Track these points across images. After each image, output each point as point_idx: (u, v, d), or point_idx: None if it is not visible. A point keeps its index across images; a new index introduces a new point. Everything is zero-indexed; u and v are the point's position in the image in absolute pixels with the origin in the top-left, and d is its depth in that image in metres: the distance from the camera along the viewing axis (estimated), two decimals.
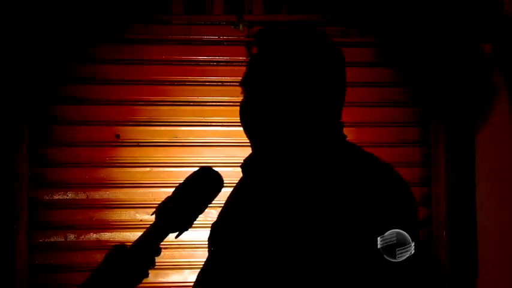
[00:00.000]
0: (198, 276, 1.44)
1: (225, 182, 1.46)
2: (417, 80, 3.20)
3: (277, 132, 1.36)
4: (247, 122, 1.40)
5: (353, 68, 3.06)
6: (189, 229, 1.41)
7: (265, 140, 1.38)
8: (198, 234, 1.50)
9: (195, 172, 1.45)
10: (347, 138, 1.42)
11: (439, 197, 3.15)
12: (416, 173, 3.17)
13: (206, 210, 1.44)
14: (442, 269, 3.10)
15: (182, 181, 1.44)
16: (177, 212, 1.39)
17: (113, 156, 3.07)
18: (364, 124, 3.12)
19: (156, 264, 1.40)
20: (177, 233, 1.40)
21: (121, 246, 1.37)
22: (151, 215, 1.41)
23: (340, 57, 1.41)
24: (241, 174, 1.48)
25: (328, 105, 1.37)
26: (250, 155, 1.45)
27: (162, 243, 1.41)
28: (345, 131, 1.42)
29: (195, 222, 1.42)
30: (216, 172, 1.45)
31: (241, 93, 1.43)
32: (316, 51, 1.38)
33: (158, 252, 1.39)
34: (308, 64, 1.36)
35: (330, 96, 1.37)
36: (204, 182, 1.43)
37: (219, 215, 1.48)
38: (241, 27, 3.14)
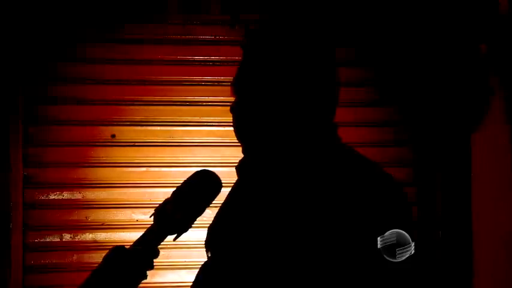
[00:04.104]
0: (196, 278, 1.44)
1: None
2: (414, 79, 3.20)
3: (268, 134, 1.35)
4: (238, 124, 1.40)
5: (348, 68, 3.10)
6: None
7: (257, 143, 1.37)
8: (195, 235, 1.49)
9: (193, 174, 1.44)
10: (342, 140, 1.41)
11: (435, 196, 3.15)
12: (411, 173, 3.17)
13: None
14: (438, 269, 3.10)
15: (181, 183, 1.43)
16: (176, 214, 1.38)
17: (109, 156, 3.06)
18: (360, 124, 3.12)
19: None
20: (175, 235, 1.40)
21: (119, 248, 1.37)
22: (150, 217, 1.41)
23: (331, 56, 1.40)
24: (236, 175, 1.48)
25: (320, 105, 1.36)
26: (244, 157, 1.44)
27: None
28: (340, 130, 1.41)
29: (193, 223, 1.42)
30: (215, 174, 1.45)
31: (232, 95, 1.42)
32: (306, 51, 1.37)
33: (156, 254, 1.39)
34: (298, 65, 1.35)
35: (322, 97, 1.36)
36: (203, 184, 1.43)
37: (215, 217, 1.48)
38: (237, 27, 3.14)
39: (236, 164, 1.45)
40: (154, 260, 1.39)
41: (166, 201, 1.40)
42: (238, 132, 1.40)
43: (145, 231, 1.39)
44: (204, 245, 1.48)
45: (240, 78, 1.40)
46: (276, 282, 1.24)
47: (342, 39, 3.13)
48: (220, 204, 1.50)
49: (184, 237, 1.43)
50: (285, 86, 1.33)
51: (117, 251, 1.36)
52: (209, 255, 1.44)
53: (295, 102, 1.33)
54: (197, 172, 1.45)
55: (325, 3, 3.18)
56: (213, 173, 1.45)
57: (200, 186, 1.42)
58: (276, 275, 1.24)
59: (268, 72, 1.35)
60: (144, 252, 1.37)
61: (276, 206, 1.30)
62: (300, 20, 3.03)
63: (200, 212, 1.42)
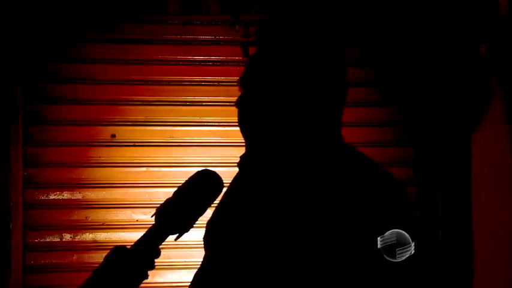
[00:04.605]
0: (195, 276, 1.44)
1: None
2: (414, 79, 3.20)
3: (273, 130, 1.35)
4: (243, 118, 1.40)
5: (348, 68, 3.10)
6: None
7: (262, 138, 1.37)
8: (195, 234, 1.49)
9: (195, 174, 1.44)
10: (345, 140, 1.41)
11: (435, 196, 3.15)
12: (411, 173, 3.17)
13: None
14: (438, 269, 3.10)
15: (182, 183, 1.43)
16: (177, 214, 1.38)
17: (109, 156, 3.06)
18: (360, 124, 3.12)
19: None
20: (176, 235, 1.40)
21: (120, 248, 1.37)
22: (151, 217, 1.41)
23: (340, 56, 1.41)
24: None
25: (328, 105, 1.37)
26: (246, 152, 1.44)
27: None
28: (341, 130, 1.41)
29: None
30: (216, 174, 1.44)
31: (239, 89, 1.42)
32: (316, 51, 1.38)
33: (158, 254, 1.38)
34: (308, 63, 1.35)
35: (329, 96, 1.37)
36: (204, 184, 1.43)
37: (213, 214, 1.48)
38: (237, 27, 3.14)
39: (238, 161, 1.45)
40: (155, 260, 1.39)
41: (168, 201, 1.40)
42: (242, 126, 1.41)
43: (147, 231, 1.39)
44: (202, 241, 1.48)
45: (249, 74, 1.40)
46: (275, 282, 1.24)
47: (343, 39, 3.13)
48: (218, 202, 1.50)
49: (185, 237, 1.43)
50: (294, 83, 1.34)
51: (118, 251, 1.36)
52: (208, 249, 1.44)
53: (303, 100, 1.34)
54: (198, 172, 1.45)
55: (327, 4, 3.18)
56: (214, 173, 1.45)
57: (201, 186, 1.42)
58: (275, 274, 1.24)
59: (278, 68, 1.35)
60: (145, 252, 1.36)
61: (277, 204, 1.30)
62: (311, 20, 3.07)
63: (201, 212, 1.42)
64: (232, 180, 1.49)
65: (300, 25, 1.46)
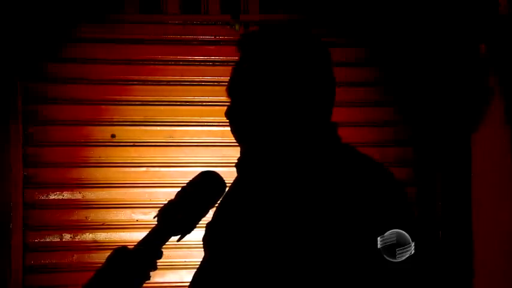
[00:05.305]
0: (194, 277, 1.44)
1: None
2: (414, 79, 3.20)
3: (266, 135, 1.35)
4: (237, 128, 1.40)
5: (348, 68, 3.11)
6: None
7: (255, 143, 1.37)
8: (196, 234, 1.49)
9: (197, 175, 1.44)
10: (342, 140, 1.41)
11: (435, 196, 3.15)
12: (411, 173, 3.17)
13: None
14: (438, 268, 3.10)
15: (185, 184, 1.43)
16: (179, 215, 1.38)
17: (109, 156, 3.06)
18: (360, 124, 3.12)
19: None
20: (178, 236, 1.40)
21: (121, 249, 1.37)
22: (154, 218, 1.41)
23: (325, 56, 1.40)
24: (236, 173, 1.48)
25: (317, 105, 1.36)
26: (242, 154, 1.44)
27: None
28: (340, 130, 1.41)
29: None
30: (219, 175, 1.45)
31: (228, 97, 1.42)
32: (300, 53, 1.37)
33: (159, 255, 1.39)
34: (292, 66, 1.35)
35: (318, 96, 1.36)
36: (207, 185, 1.43)
37: (213, 215, 1.48)
38: (237, 27, 3.14)
39: (236, 162, 1.46)
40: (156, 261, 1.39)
41: (170, 202, 1.40)
42: (237, 136, 1.41)
43: (149, 232, 1.39)
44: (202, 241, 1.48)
45: (236, 82, 1.40)
46: (275, 283, 1.24)
47: (342, 39, 3.13)
48: (218, 203, 1.50)
49: (186, 237, 1.43)
50: (281, 88, 1.33)
51: (119, 252, 1.36)
52: (208, 250, 1.44)
53: (291, 102, 1.33)
54: (201, 173, 1.45)
55: (327, 4, 3.18)
56: (216, 174, 1.45)
57: (203, 187, 1.42)
58: (274, 275, 1.24)
59: (263, 74, 1.35)
60: (146, 253, 1.37)
61: (276, 205, 1.29)
62: (295, 23, 3.07)
63: (204, 213, 1.42)
64: (233, 182, 1.49)
65: (283, 30, 1.44)
